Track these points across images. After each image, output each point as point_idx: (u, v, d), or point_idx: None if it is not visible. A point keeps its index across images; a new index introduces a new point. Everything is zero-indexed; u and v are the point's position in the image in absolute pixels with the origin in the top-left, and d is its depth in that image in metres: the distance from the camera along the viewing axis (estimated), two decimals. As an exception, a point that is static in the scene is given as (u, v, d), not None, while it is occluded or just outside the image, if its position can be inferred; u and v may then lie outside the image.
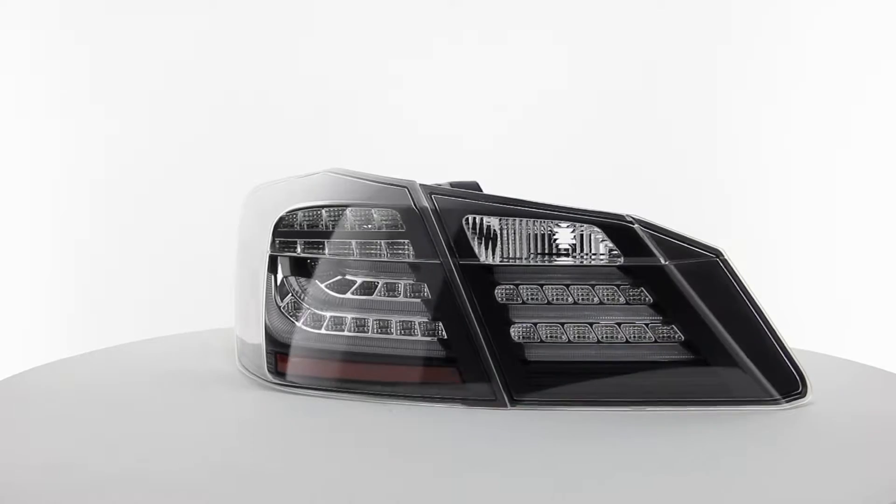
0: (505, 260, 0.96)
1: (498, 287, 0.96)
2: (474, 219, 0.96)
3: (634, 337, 0.95)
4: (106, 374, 1.15)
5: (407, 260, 0.98)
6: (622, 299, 0.95)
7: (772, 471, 0.78)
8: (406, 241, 0.97)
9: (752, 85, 2.12)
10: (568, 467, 0.81)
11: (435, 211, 0.96)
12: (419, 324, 0.98)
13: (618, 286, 0.95)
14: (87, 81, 2.11)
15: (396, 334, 0.98)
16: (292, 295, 1.04)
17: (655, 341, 0.95)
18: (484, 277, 0.96)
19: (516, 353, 0.95)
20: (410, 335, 0.98)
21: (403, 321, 0.98)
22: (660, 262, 0.94)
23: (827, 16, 2.05)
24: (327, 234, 1.01)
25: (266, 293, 1.06)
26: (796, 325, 1.78)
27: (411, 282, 0.98)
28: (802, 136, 2.09)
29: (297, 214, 1.03)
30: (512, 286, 0.96)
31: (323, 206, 1.02)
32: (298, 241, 1.03)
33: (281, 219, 1.04)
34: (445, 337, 0.97)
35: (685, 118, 2.13)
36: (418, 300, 0.98)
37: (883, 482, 0.75)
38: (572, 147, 2.12)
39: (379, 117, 2.14)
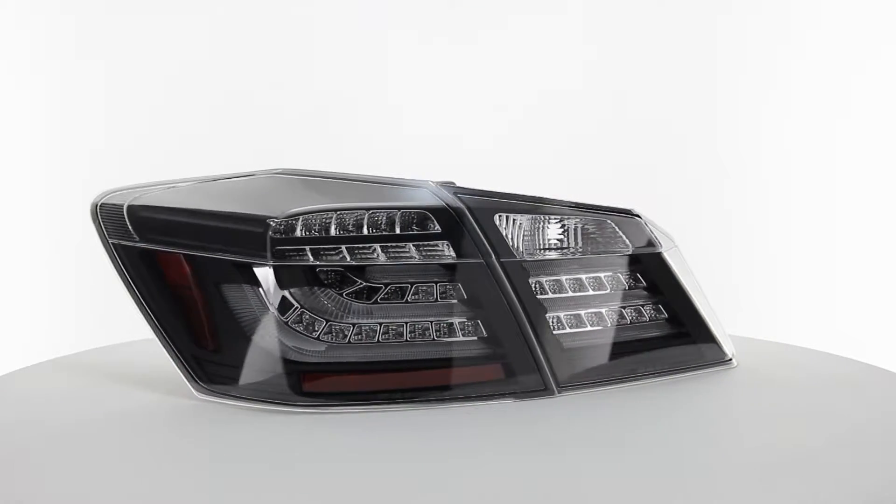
0: (533, 255, 1.00)
1: (531, 281, 1.00)
2: (505, 217, 0.99)
3: (634, 318, 1.06)
4: (109, 374, 1.11)
5: (447, 261, 0.96)
6: (624, 286, 1.06)
7: (773, 469, 0.77)
8: (444, 241, 0.96)
9: (752, 85, 2.15)
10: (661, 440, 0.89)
11: (470, 210, 0.97)
12: (458, 324, 0.97)
13: (620, 274, 1.06)
14: (89, 80, 2.12)
15: (435, 337, 0.96)
16: (300, 307, 0.95)
17: (649, 321, 1.07)
18: (522, 273, 0.99)
19: (556, 342, 1.00)
20: (450, 336, 0.97)
21: (441, 323, 0.96)
22: (657, 249, 1.07)
23: (827, 15, 2.10)
24: (345, 240, 0.95)
25: (261, 309, 0.95)
26: (795, 323, 1.96)
27: (444, 282, 0.97)
28: (802, 135, 2.13)
29: (296, 221, 0.94)
30: (539, 280, 1.01)
31: (335, 210, 0.95)
32: (307, 249, 0.94)
33: (275, 226, 0.94)
34: (486, 335, 0.97)
35: (685, 118, 2.15)
36: (455, 301, 0.97)
37: (883, 481, 0.73)
38: (572, 147, 2.14)
39: (378, 117, 2.15)
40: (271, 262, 0.94)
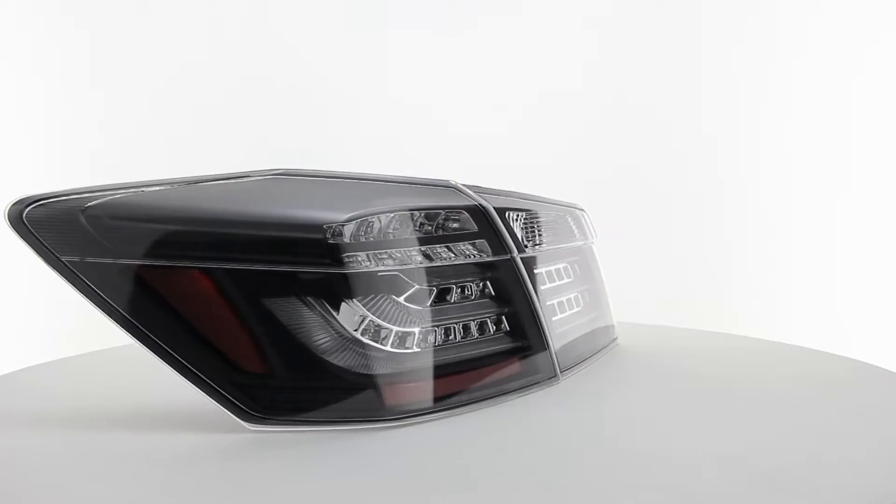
0: (531, 249, 1.05)
1: (534, 274, 1.05)
2: (514, 214, 1.02)
3: (581, 305, 1.17)
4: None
5: (484, 259, 0.97)
6: (572, 275, 1.16)
7: (772, 470, 0.74)
8: (482, 240, 0.97)
9: (753, 86, 2.10)
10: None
11: (494, 208, 0.99)
12: (490, 321, 0.98)
13: (570, 264, 1.15)
14: (85, 82, 2.14)
15: (477, 336, 0.96)
16: (367, 316, 0.88)
17: (585, 306, 1.18)
18: (531, 267, 1.04)
19: (555, 330, 1.06)
20: (486, 334, 0.97)
21: (479, 321, 0.97)
22: (592, 241, 1.19)
23: (828, 14, 2.06)
24: (401, 243, 0.91)
25: (323, 321, 0.87)
26: (796, 322, 1.97)
27: (476, 281, 0.97)
28: (802, 135, 2.10)
29: (353, 224, 0.88)
30: (534, 273, 1.06)
31: (390, 212, 0.90)
32: (370, 255, 0.88)
33: (335, 231, 0.87)
34: (509, 328, 1.00)
35: (685, 118, 2.11)
36: (486, 298, 0.98)
37: (884, 482, 0.71)
38: (572, 147, 2.12)
39: (378, 117, 2.11)
40: (338, 270, 0.86)
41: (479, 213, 0.96)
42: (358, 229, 0.87)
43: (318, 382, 0.86)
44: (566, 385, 1.04)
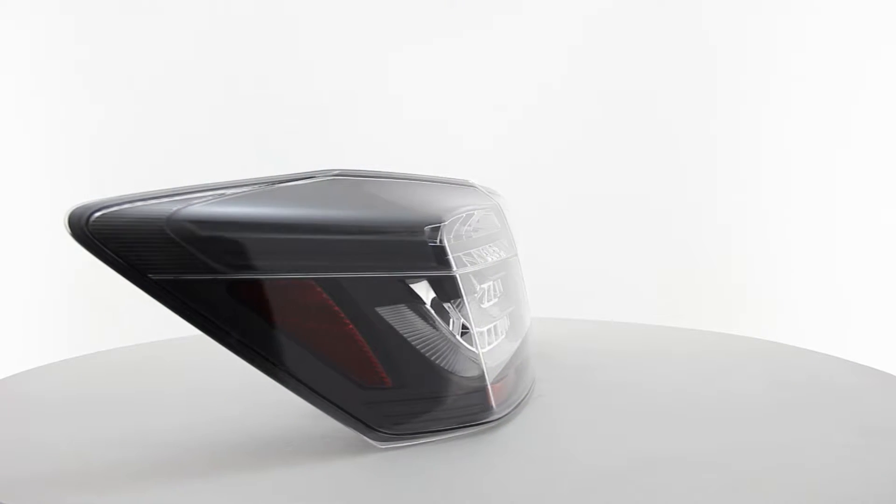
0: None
1: None
2: (505, 212, 1.06)
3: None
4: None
5: (505, 257, 0.99)
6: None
7: (771, 471, 0.73)
8: (504, 238, 0.99)
9: (753, 84, 2.06)
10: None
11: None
12: (509, 317, 1.00)
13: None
14: (85, 83, 2.16)
15: (503, 333, 0.98)
16: (459, 318, 0.87)
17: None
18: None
19: None
20: (513, 329, 1.00)
21: (506, 318, 0.99)
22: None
23: (827, 14, 2.03)
24: (472, 243, 0.91)
25: (430, 327, 0.84)
26: (798, 324, 1.92)
27: (501, 278, 0.99)
28: (803, 135, 2.06)
29: (443, 226, 0.86)
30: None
31: (471, 210, 0.91)
32: (457, 256, 0.87)
33: (432, 233, 0.85)
34: (515, 324, 1.03)
35: (685, 118, 2.08)
36: (505, 295, 1.00)
37: (884, 485, 0.70)
38: (572, 147, 2.10)
39: (378, 117, 2.12)
40: (442, 272, 0.83)
41: (499, 211, 0.99)
42: (452, 230, 0.85)
43: (437, 390, 0.82)
44: (553, 378, 1.09)
